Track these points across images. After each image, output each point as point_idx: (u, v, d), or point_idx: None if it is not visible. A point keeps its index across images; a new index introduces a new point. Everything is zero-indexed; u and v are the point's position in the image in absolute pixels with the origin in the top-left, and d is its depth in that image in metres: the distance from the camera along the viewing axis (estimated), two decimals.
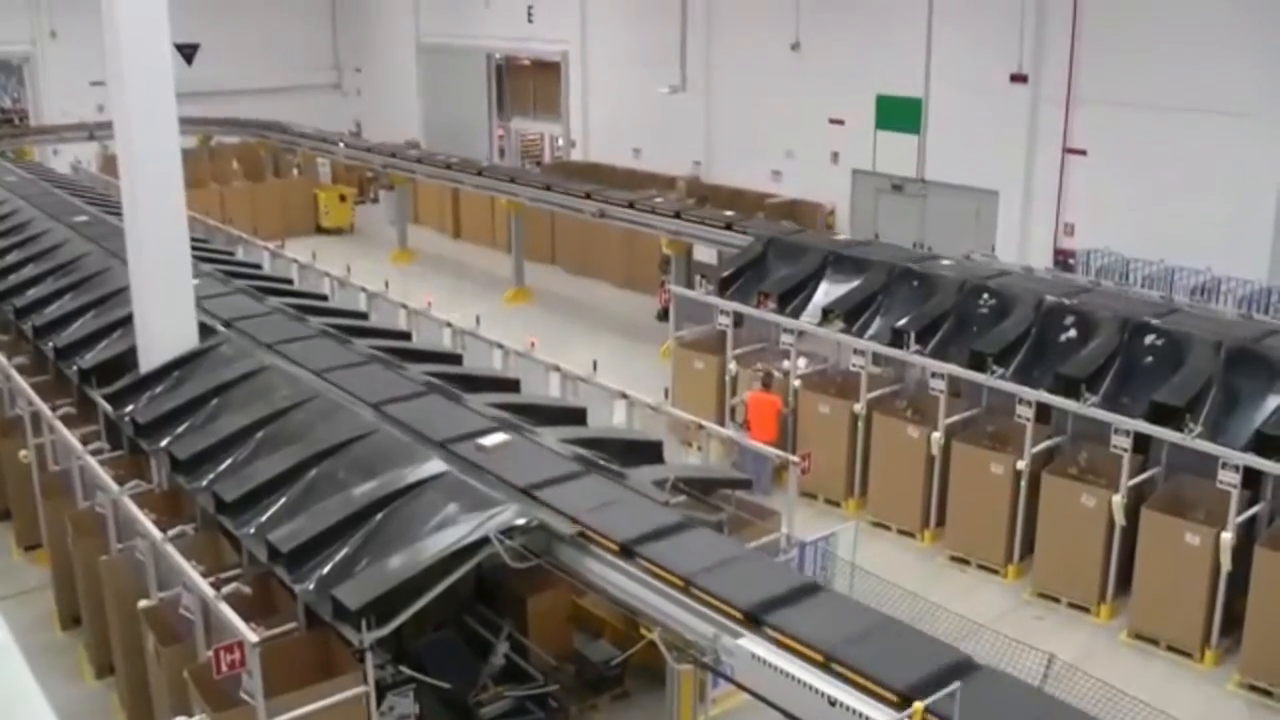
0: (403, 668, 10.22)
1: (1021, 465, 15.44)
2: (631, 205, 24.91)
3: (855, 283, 18.66)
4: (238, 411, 12.95)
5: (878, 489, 17.43)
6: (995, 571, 16.00)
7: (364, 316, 18.31)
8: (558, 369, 15.61)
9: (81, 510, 13.44)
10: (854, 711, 7.73)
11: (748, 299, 19.33)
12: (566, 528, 9.83)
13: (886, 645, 8.33)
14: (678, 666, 9.19)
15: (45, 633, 14.21)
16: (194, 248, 15.47)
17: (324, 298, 19.36)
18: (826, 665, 8.06)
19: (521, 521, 9.83)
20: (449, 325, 17.85)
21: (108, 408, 14.03)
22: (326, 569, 10.09)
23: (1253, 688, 13.47)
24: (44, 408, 14.28)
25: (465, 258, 34.34)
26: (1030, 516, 15.56)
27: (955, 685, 7.50)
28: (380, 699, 9.76)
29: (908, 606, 10.00)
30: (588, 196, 26.19)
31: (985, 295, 17.21)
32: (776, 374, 18.19)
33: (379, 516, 10.48)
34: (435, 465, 10.97)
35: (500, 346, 16.72)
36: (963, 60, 24.38)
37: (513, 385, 14.92)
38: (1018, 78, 23.16)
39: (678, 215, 23.75)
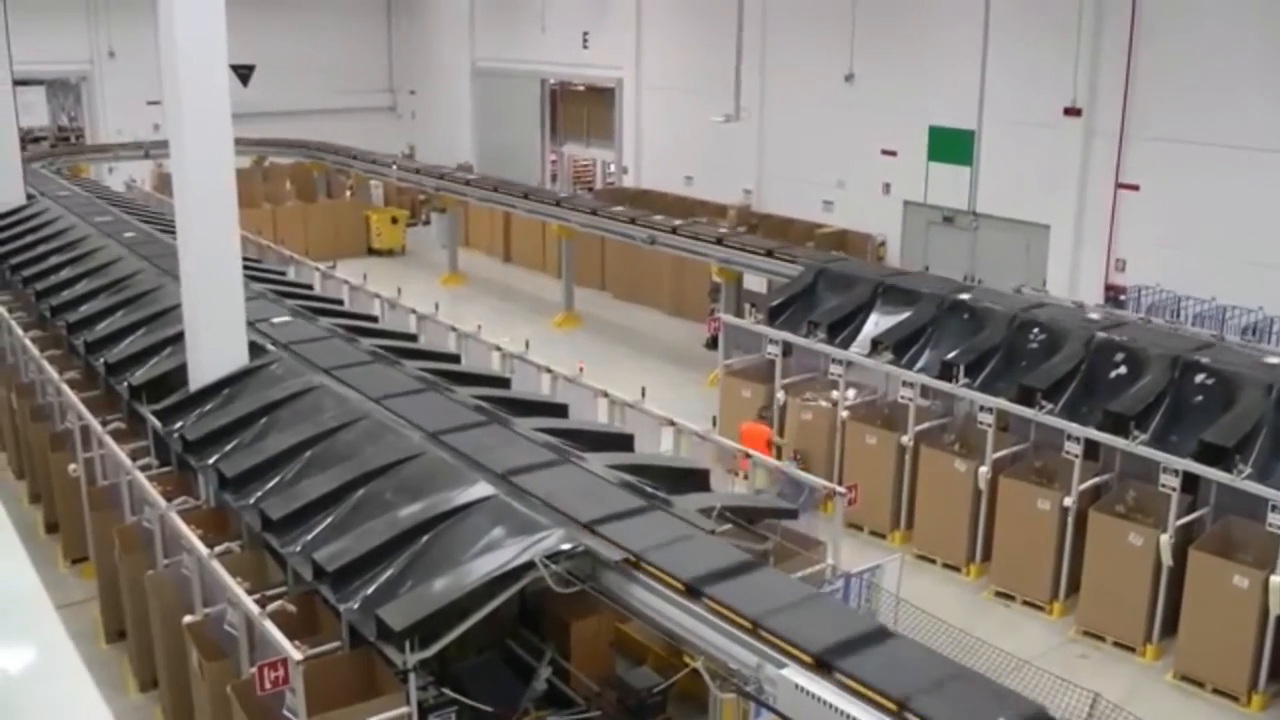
0: (445, 690, 10.19)
1: (1069, 502, 15.37)
2: (674, 230, 25.08)
3: (905, 314, 18.62)
4: (286, 430, 12.99)
5: (924, 522, 17.39)
6: (1040, 608, 15.92)
7: (413, 338, 18.36)
8: (606, 395, 15.60)
9: (129, 525, 13.52)
10: None
11: (797, 328, 19.32)
12: (612, 554, 9.83)
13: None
14: (721, 695, 9.15)
15: (90, 645, 14.29)
16: (246, 267, 15.56)
17: (374, 319, 19.42)
18: (898, 711, 8.03)
19: (567, 547, 9.82)
20: (498, 348, 17.87)
21: (157, 424, 14.11)
22: (371, 589, 10.10)
23: None
24: (94, 422, 14.37)
25: (515, 281, 34.48)
26: (1076, 554, 15.47)
27: None
28: None
29: (952, 641, 9.95)
30: (634, 221, 26.48)
31: (1035, 329, 17.15)
32: (825, 404, 18.15)
33: (425, 538, 10.48)
34: (482, 489, 10.98)
35: (549, 371, 16.73)
36: (1016, 92, 24.35)
37: (560, 410, 14.93)
38: (1071, 111, 23.10)
39: (728, 244, 23.82)
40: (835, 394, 18.42)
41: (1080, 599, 15.56)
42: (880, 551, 16.29)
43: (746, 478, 14.44)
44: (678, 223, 25.84)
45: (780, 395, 19.15)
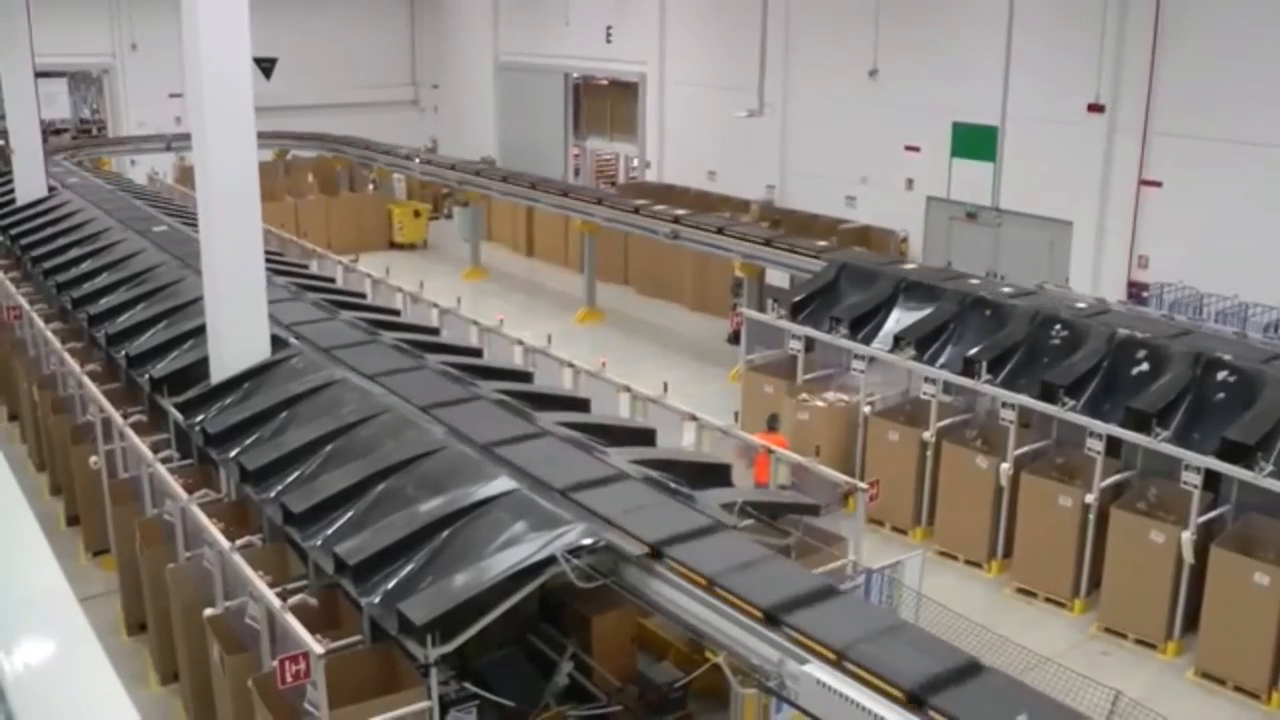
0: (466, 684, 10.19)
1: (1090, 499, 15.33)
2: (676, 221, 25.23)
3: (927, 311, 18.59)
4: (307, 424, 12.99)
5: (945, 518, 17.35)
6: (1062, 605, 15.88)
7: (435, 332, 18.35)
8: (628, 389, 15.56)
9: (150, 518, 13.54)
10: None
11: (819, 324, 19.29)
12: (633, 548, 9.81)
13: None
14: (742, 691, 9.14)
15: (111, 638, 14.29)
16: (268, 260, 15.55)
17: (396, 313, 19.41)
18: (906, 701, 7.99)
19: (588, 541, 9.81)
20: (520, 343, 17.83)
21: (178, 416, 14.13)
22: (392, 583, 10.10)
23: None
24: (115, 415, 14.40)
25: (538, 276, 34.49)
26: (1098, 551, 15.44)
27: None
28: (443, 715, 9.75)
29: (973, 638, 9.92)
30: (637, 211, 26.78)
31: (1057, 326, 17.10)
32: (820, 403, 18.11)
33: (446, 533, 10.47)
34: (503, 483, 10.96)
35: (571, 366, 16.69)
36: (1040, 89, 24.25)
37: (583, 405, 14.91)
38: (1095, 108, 23.00)
39: (728, 234, 23.93)
40: (830, 395, 18.50)
41: (1101, 596, 15.53)
42: (901, 548, 16.23)
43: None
44: (680, 213, 25.93)
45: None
